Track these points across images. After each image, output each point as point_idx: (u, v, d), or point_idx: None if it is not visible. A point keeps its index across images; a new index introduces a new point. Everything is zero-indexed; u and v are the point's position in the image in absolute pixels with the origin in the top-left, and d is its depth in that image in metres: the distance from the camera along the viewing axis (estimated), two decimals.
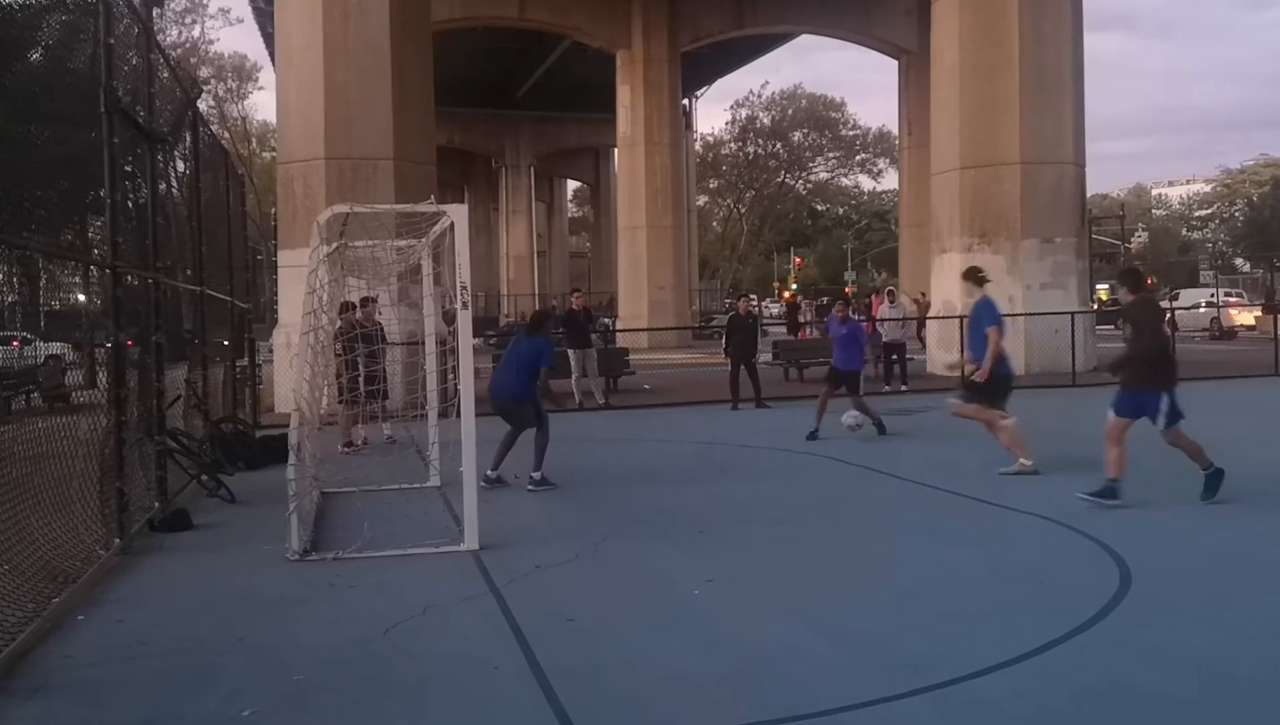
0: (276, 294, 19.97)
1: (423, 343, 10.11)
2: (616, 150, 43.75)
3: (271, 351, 17.87)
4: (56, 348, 7.57)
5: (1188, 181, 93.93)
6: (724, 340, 16.39)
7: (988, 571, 5.98)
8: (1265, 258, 58.72)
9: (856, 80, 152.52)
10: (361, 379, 10.49)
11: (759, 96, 70.31)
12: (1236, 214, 74.59)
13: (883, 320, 18.35)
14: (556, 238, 73.76)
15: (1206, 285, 54.41)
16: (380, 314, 12.11)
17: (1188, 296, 43.42)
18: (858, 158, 72.87)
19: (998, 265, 19.97)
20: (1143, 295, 7.87)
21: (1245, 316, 37.50)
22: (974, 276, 9.53)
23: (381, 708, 4.13)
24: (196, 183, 10.77)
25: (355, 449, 11.67)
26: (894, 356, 17.76)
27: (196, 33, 46.06)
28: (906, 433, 12.46)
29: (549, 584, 5.93)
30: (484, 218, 63.52)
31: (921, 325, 23.93)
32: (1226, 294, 45.53)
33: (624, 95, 38.70)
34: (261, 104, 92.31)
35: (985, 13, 20.07)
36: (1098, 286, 40.78)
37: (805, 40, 48.52)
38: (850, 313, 13.20)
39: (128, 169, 7.65)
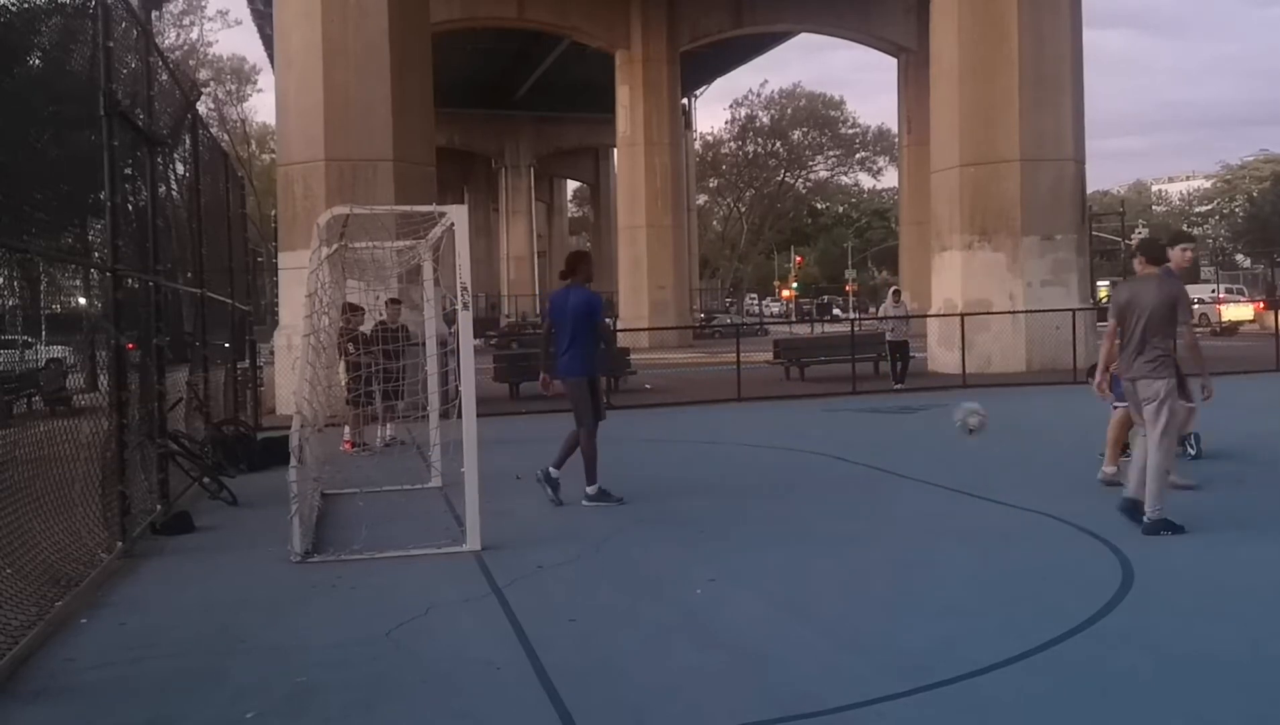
0: (277, 296, 19.99)
1: (423, 344, 10.13)
2: (616, 150, 43.78)
3: (273, 353, 17.89)
4: (58, 351, 7.57)
5: (1188, 177, 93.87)
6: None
7: (989, 569, 5.98)
8: (1266, 253, 58.67)
9: (860, 78, 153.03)
10: (375, 378, 10.52)
11: (758, 95, 70.34)
12: (1236, 210, 74.55)
13: (885, 317, 18.34)
14: (556, 238, 73.80)
15: (1207, 281, 54.37)
16: (402, 316, 12.12)
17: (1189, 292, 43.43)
18: (857, 156, 72.85)
19: (998, 262, 20.04)
20: None
21: (1241, 311, 37.44)
22: None
23: (384, 709, 4.13)
24: (196, 185, 10.77)
25: (362, 449, 11.66)
26: (898, 355, 17.81)
27: (195, 35, 46.09)
28: (909, 430, 12.46)
29: (551, 584, 5.93)
30: (484, 218, 63.59)
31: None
32: (1227, 290, 45.51)
33: (623, 95, 38.72)
34: (261, 106, 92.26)
35: (984, 11, 20.08)
36: (1098, 283, 40.77)
37: (809, 39, 48.61)
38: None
39: (127, 172, 7.65)
